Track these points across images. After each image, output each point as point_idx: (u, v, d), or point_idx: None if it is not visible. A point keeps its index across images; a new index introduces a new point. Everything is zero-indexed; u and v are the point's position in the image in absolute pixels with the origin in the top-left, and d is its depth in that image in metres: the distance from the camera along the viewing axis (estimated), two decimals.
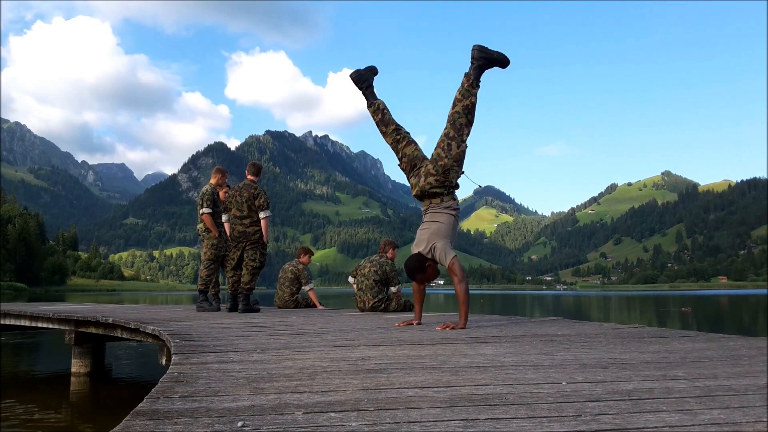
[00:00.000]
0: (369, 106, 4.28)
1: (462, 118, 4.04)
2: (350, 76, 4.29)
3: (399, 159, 4.21)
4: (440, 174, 3.99)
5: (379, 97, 4.30)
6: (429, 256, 3.97)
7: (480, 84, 4.11)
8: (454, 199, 4.12)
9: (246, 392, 1.67)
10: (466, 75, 4.09)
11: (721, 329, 11.92)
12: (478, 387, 1.75)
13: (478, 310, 17.01)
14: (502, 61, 4.13)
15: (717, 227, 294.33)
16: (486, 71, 4.13)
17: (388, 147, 4.26)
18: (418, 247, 4.02)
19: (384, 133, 4.23)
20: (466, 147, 4.06)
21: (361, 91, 4.33)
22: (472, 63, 4.09)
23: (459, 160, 4.02)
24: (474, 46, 4.11)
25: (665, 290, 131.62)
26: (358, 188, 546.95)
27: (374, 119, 4.25)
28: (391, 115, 4.24)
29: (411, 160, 4.13)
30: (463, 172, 4.09)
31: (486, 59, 4.09)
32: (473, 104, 4.06)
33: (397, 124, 4.21)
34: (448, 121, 4.07)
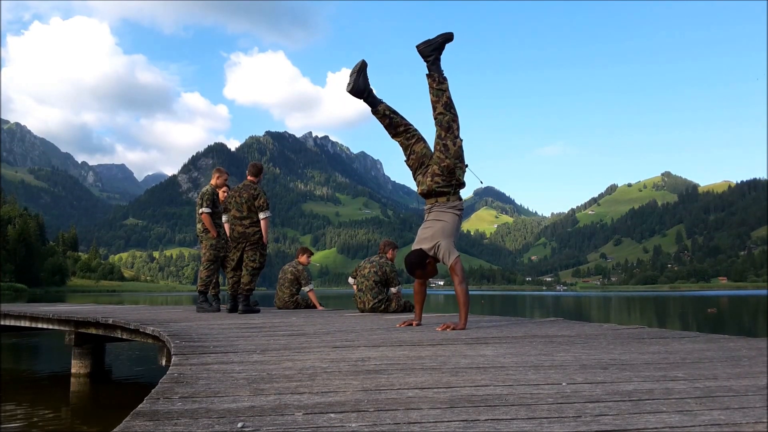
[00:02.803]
0: (375, 114, 4.22)
1: (446, 115, 4.08)
2: (348, 92, 4.14)
3: (407, 156, 4.20)
4: (446, 174, 4.03)
5: (381, 100, 4.22)
6: (431, 254, 3.97)
7: (445, 77, 4.13)
8: (460, 199, 4.15)
9: (246, 393, 1.67)
10: (429, 76, 4.12)
11: (721, 330, 11.92)
12: (478, 388, 1.75)
13: (478, 311, 16.99)
14: (447, 39, 4.16)
15: (717, 228, 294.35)
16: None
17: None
18: (421, 244, 4.02)
19: (394, 135, 4.22)
20: (462, 141, 4.10)
21: (363, 101, 4.22)
22: (426, 62, 4.13)
23: (459, 156, 4.06)
24: (418, 45, 4.14)
25: (665, 291, 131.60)
26: (358, 189, 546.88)
27: (382, 124, 4.21)
28: (398, 115, 4.19)
29: (419, 158, 4.14)
30: (467, 166, 4.12)
31: (434, 50, 4.12)
32: (449, 98, 4.11)
33: (407, 124, 4.19)
34: (436, 124, 4.10)
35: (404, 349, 2.76)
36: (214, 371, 2.08)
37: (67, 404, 5.12)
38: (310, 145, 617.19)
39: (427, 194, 4.14)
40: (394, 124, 4.19)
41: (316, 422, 1.33)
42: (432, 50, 4.11)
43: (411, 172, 4.24)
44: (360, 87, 4.14)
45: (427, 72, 4.13)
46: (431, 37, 4.14)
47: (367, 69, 4.17)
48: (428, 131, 4.25)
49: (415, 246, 4.06)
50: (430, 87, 4.11)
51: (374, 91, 4.21)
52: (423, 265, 4.00)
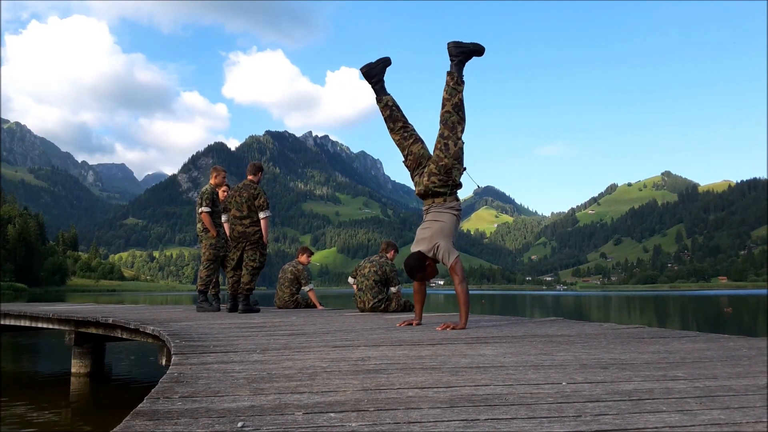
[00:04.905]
0: (378, 102, 4.24)
1: (453, 116, 4.07)
2: (361, 69, 4.21)
3: (404, 156, 4.20)
4: (443, 174, 4.01)
5: (389, 93, 4.23)
6: (431, 255, 3.96)
7: (464, 80, 4.14)
8: (457, 199, 4.13)
9: (246, 393, 1.67)
10: (449, 73, 4.13)
11: (721, 330, 11.92)
12: (478, 387, 1.75)
13: (478, 311, 16.99)
14: (477, 51, 4.18)
15: (717, 227, 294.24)
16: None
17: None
18: (419, 245, 4.01)
19: (391, 130, 4.22)
20: (463, 143, 4.09)
21: (370, 86, 4.25)
22: (451, 60, 4.14)
23: (458, 158, 4.04)
24: (449, 43, 4.16)
25: (665, 290, 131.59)
26: (358, 189, 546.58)
27: (382, 115, 4.23)
28: (400, 111, 4.20)
29: (417, 159, 4.13)
30: (465, 169, 4.11)
31: (463, 53, 4.14)
32: (461, 101, 4.11)
33: (405, 122, 4.20)
34: (441, 122, 4.10)
35: (404, 349, 2.76)
36: (214, 371, 2.08)
37: (67, 404, 5.12)
38: (310, 145, 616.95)
39: (424, 195, 4.13)
40: (394, 118, 4.19)
41: (316, 422, 1.33)
42: (459, 52, 4.13)
43: (409, 173, 4.24)
44: (373, 71, 4.22)
45: (449, 69, 4.14)
46: (464, 41, 4.18)
47: (370, 68, 4.22)
48: (426, 134, 4.26)
49: (413, 247, 4.05)
50: (447, 84, 4.11)
51: (385, 85, 4.24)
52: (423, 267, 3.99)
